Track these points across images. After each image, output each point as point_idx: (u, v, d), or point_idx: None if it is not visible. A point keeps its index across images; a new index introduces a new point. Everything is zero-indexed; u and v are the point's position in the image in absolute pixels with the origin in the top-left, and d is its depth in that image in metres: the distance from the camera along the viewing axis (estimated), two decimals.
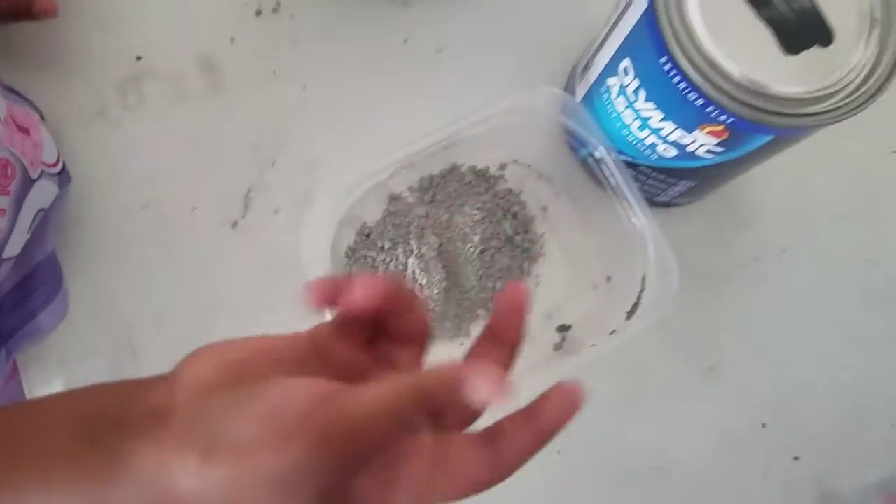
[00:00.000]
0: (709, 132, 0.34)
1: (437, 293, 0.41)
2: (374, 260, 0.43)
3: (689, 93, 0.32)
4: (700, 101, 0.32)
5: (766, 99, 0.32)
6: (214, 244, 0.42)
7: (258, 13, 0.45)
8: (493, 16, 0.47)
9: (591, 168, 0.43)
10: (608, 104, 0.39)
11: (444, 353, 0.42)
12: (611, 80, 0.38)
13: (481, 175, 0.45)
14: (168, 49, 0.44)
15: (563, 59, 0.47)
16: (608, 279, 0.45)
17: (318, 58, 0.45)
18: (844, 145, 0.48)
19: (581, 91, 0.42)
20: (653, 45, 0.32)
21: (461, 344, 0.43)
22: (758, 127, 0.32)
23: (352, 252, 0.43)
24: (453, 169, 0.45)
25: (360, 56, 0.45)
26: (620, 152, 0.40)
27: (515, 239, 0.44)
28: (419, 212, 0.44)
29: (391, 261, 0.42)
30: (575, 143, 0.44)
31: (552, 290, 0.45)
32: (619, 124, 0.39)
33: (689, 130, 0.35)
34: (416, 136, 0.43)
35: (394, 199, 0.44)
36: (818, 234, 0.47)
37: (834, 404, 0.46)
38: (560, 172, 0.46)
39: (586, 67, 0.42)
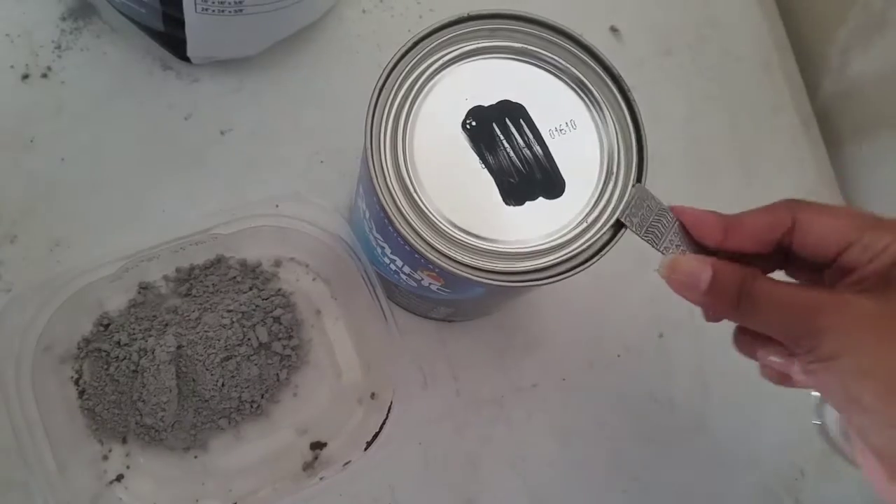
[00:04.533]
0: (428, 275, 0.32)
1: (167, 400, 0.38)
2: (107, 355, 0.39)
3: (396, 237, 0.30)
4: (407, 247, 0.30)
5: (471, 252, 0.30)
6: None
7: (25, 77, 0.42)
8: (287, 104, 0.45)
9: (363, 280, 0.40)
10: (361, 223, 0.37)
11: (175, 469, 0.39)
12: (359, 201, 0.36)
13: (250, 270, 0.42)
14: None
15: (354, 160, 0.45)
16: (373, 395, 0.42)
17: (84, 129, 0.42)
18: (633, 278, 0.47)
19: (353, 201, 0.40)
20: (368, 179, 0.30)
21: (195, 457, 0.40)
22: (463, 280, 0.30)
23: (85, 343, 0.39)
24: (219, 261, 0.42)
25: (133, 131, 0.43)
26: (378, 272, 0.38)
27: (273, 345, 0.41)
28: (169, 305, 0.41)
29: (125, 358, 0.39)
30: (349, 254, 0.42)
31: (312, 403, 0.42)
32: (369, 246, 0.37)
33: (414, 269, 0.33)
34: (180, 222, 0.40)
35: (143, 288, 0.41)
36: (600, 365, 0.46)
37: None
38: (338, 276, 0.43)
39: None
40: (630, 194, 0.30)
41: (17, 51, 0.42)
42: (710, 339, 0.47)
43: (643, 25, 0.51)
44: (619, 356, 0.46)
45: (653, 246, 0.30)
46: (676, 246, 0.30)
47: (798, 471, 0.46)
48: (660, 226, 0.30)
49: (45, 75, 0.42)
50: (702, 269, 0.28)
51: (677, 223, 0.30)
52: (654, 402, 0.46)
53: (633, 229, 0.30)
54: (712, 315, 0.30)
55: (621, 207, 0.30)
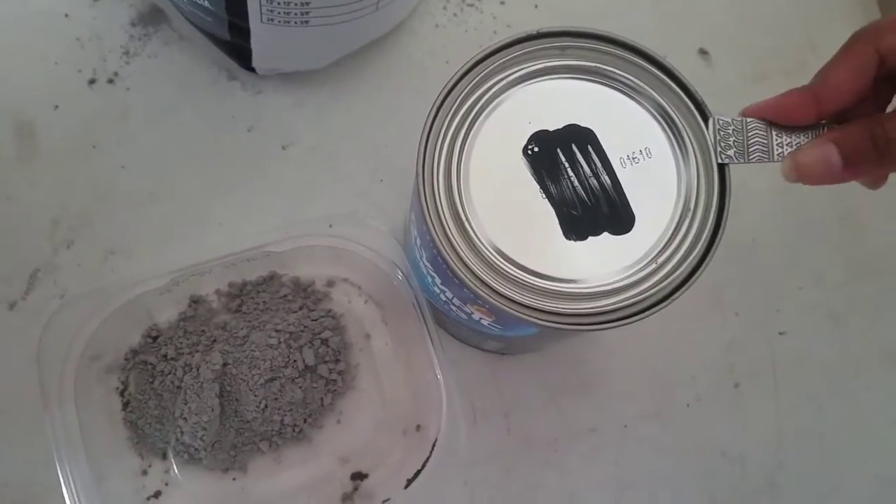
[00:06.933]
0: (478, 310, 0.30)
1: (208, 420, 0.37)
2: (153, 368, 0.38)
3: (446, 269, 0.28)
4: (456, 281, 0.28)
5: (526, 290, 0.27)
6: None
7: (91, 82, 0.42)
8: (351, 120, 0.44)
9: (414, 307, 0.38)
10: (412, 250, 0.35)
11: (213, 489, 0.38)
12: (412, 227, 0.34)
13: (301, 289, 0.41)
14: None
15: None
16: (418, 427, 0.40)
17: (146, 137, 0.42)
18: (710, 320, 0.43)
19: (406, 226, 0.38)
20: (419, 207, 0.28)
21: (234, 479, 0.38)
22: (516, 319, 0.27)
23: (133, 354, 0.39)
24: (272, 278, 0.41)
25: (195, 140, 0.42)
26: (428, 300, 0.36)
27: (319, 369, 0.39)
28: (218, 321, 0.40)
29: (170, 373, 0.38)
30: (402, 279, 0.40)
31: (355, 431, 0.40)
32: (420, 274, 0.35)
33: (464, 303, 0.30)
34: (236, 236, 0.39)
35: (195, 301, 0.40)
36: (668, 413, 0.42)
37: None
38: (390, 300, 0.41)
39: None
40: (711, 133, 0.28)
41: (87, 55, 0.42)
42: (791, 393, 0.43)
43: (736, 48, 0.47)
44: (688, 405, 0.42)
45: (767, 161, 0.28)
46: (788, 145, 0.28)
47: None
48: (759, 139, 0.28)
49: (111, 81, 0.42)
50: (824, 149, 0.26)
51: (770, 125, 0.28)
52: (723, 459, 0.42)
53: (740, 161, 0.28)
54: (872, 182, 0.29)
55: (713, 150, 0.28)
